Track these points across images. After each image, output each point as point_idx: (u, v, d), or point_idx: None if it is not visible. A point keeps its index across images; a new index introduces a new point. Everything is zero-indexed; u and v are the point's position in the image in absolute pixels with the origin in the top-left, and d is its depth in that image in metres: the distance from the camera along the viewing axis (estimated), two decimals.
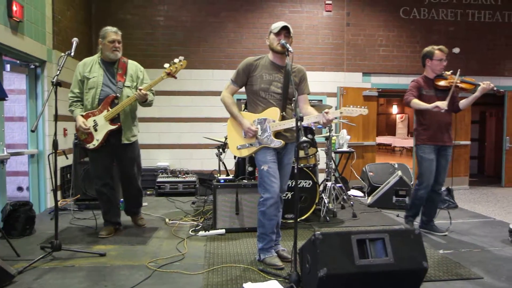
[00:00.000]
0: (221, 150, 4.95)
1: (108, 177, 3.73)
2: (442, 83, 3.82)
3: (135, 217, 4.09)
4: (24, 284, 2.62)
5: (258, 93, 2.99)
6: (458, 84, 3.76)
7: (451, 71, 3.90)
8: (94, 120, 3.51)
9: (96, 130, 3.51)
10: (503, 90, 3.77)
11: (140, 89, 3.45)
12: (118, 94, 3.54)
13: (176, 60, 3.46)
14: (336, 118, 3.02)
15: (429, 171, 3.82)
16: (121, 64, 3.65)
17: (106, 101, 3.50)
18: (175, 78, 3.56)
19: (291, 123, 2.89)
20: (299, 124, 2.56)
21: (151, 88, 3.59)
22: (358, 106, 2.86)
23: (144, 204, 5.21)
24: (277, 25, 2.93)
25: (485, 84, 3.62)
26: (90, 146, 3.55)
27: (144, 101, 3.54)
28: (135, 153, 3.79)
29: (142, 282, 2.68)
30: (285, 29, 2.91)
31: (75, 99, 3.61)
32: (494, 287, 2.67)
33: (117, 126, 3.52)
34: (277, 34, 2.92)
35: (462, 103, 3.86)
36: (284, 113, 2.97)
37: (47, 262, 3.02)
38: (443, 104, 3.60)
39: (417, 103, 3.75)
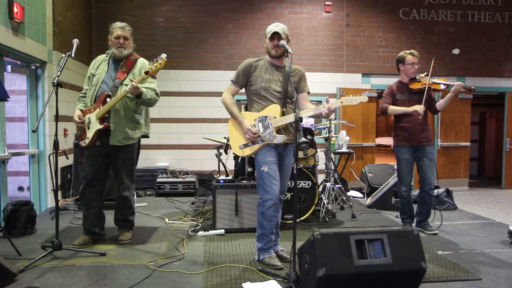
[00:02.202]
0: (220, 150, 4.97)
1: (95, 180, 3.46)
2: (415, 85, 3.97)
3: (119, 230, 3.66)
4: (26, 283, 2.64)
5: (258, 91, 3.02)
6: (430, 86, 3.91)
7: (424, 73, 3.99)
8: (89, 118, 3.40)
9: (88, 128, 3.41)
10: (474, 87, 3.89)
11: (131, 81, 3.18)
12: (110, 92, 3.37)
13: (158, 58, 3.16)
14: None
15: (405, 170, 4.01)
16: (128, 61, 3.50)
17: (99, 99, 3.37)
18: (155, 78, 3.33)
19: (292, 117, 2.90)
20: (298, 124, 2.57)
21: (138, 83, 3.25)
22: (358, 95, 2.90)
23: (143, 204, 5.27)
24: (269, 30, 2.98)
25: (456, 85, 3.77)
26: (82, 143, 3.46)
27: (138, 96, 3.26)
28: (127, 157, 3.51)
29: (142, 282, 2.70)
30: (276, 34, 2.95)
31: (83, 95, 3.56)
32: None
33: (103, 126, 3.34)
34: (271, 39, 2.97)
35: (439, 104, 4.00)
36: (284, 109, 2.99)
37: (48, 261, 3.04)
38: (421, 109, 3.79)
39: (393, 109, 3.93)
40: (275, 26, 2.97)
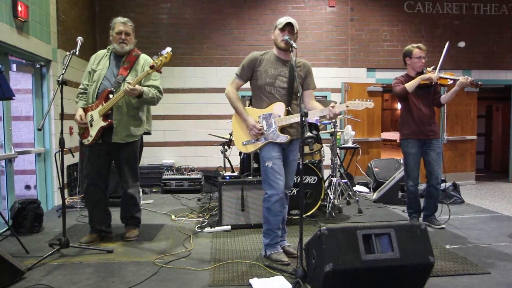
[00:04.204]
0: (226, 147, 4.96)
1: (97, 178, 3.43)
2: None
3: (126, 228, 3.67)
4: (34, 280, 2.65)
5: (263, 88, 2.99)
6: (437, 81, 3.88)
7: (432, 67, 3.97)
8: (91, 115, 3.34)
9: (91, 126, 3.35)
10: (481, 83, 3.84)
11: (128, 83, 3.15)
12: (112, 88, 3.31)
13: (163, 52, 3.13)
14: (342, 113, 3.02)
15: (412, 165, 3.97)
16: (130, 57, 3.43)
17: (101, 96, 3.30)
18: (160, 72, 3.27)
19: (296, 118, 2.89)
20: (304, 119, 2.56)
21: (138, 82, 3.25)
22: (364, 99, 2.86)
23: (149, 201, 5.29)
24: (282, 21, 2.93)
25: (463, 78, 3.75)
26: (85, 141, 3.41)
27: (139, 97, 3.25)
28: (130, 154, 3.48)
29: (149, 278, 2.70)
30: (289, 25, 2.91)
31: (82, 91, 3.49)
32: (501, 282, 2.66)
33: (107, 123, 3.29)
34: (282, 30, 2.92)
35: (444, 97, 3.98)
36: (289, 107, 2.97)
37: (56, 259, 3.05)
38: (435, 77, 3.78)
39: (409, 84, 3.84)
40: (288, 18, 2.93)
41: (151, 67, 3.15)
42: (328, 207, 4.42)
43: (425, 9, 7.32)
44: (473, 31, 7.40)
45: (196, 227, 3.97)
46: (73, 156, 4.77)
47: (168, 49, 3.14)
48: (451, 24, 7.36)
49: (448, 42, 4.11)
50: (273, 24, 3.03)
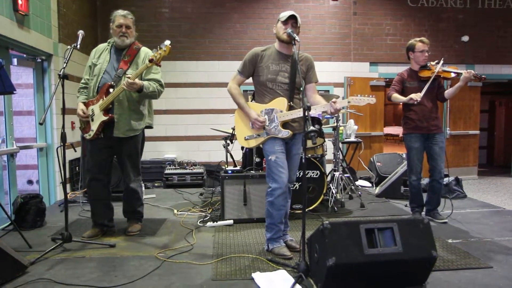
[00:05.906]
0: (228, 141, 4.95)
1: (99, 173, 3.43)
2: (424, 74, 3.94)
3: (128, 222, 3.67)
4: (37, 275, 2.66)
5: (265, 83, 2.98)
6: (439, 74, 3.87)
7: (436, 61, 3.94)
8: (92, 109, 3.32)
9: (92, 120, 3.33)
10: (485, 76, 3.80)
11: (127, 77, 3.12)
12: (113, 83, 3.28)
13: (162, 45, 3.08)
14: (344, 107, 3.01)
15: (415, 159, 3.97)
16: (131, 50, 3.40)
17: (102, 90, 3.28)
18: (159, 66, 3.22)
19: (298, 113, 2.89)
20: (306, 113, 2.54)
21: (138, 76, 3.22)
22: (366, 95, 2.85)
23: (152, 196, 5.29)
24: (284, 14, 2.91)
25: (466, 73, 3.73)
26: (87, 136, 3.40)
27: (139, 91, 3.23)
28: (132, 149, 3.47)
29: (152, 273, 2.71)
30: (292, 18, 2.89)
31: (84, 86, 3.47)
32: (504, 277, 2.66)
33: (108, 117, 3.27)
34: (284, 23, 2.90)
35: (448, 92, 3.97)
36: (291, 103, 2.96)
37: (58, 253, 3.06)
38: (416, 96, 3.75)
39: (395, 97, 3.94)
40: (291, 11, 2.91)
41: (150, 61, 3.12)
42: (331, 202, 4.42)
43: (429, 3, 7.26)
44: (477, 25, 7.34)
45: (199, 221, 3.97)
46: (75, 151, 4.77)
47: (167, 42, 3.09)
48: (455, 18, 7.30)
49: (442, 58, 4.06)
50: (275, 18, 3.01)
